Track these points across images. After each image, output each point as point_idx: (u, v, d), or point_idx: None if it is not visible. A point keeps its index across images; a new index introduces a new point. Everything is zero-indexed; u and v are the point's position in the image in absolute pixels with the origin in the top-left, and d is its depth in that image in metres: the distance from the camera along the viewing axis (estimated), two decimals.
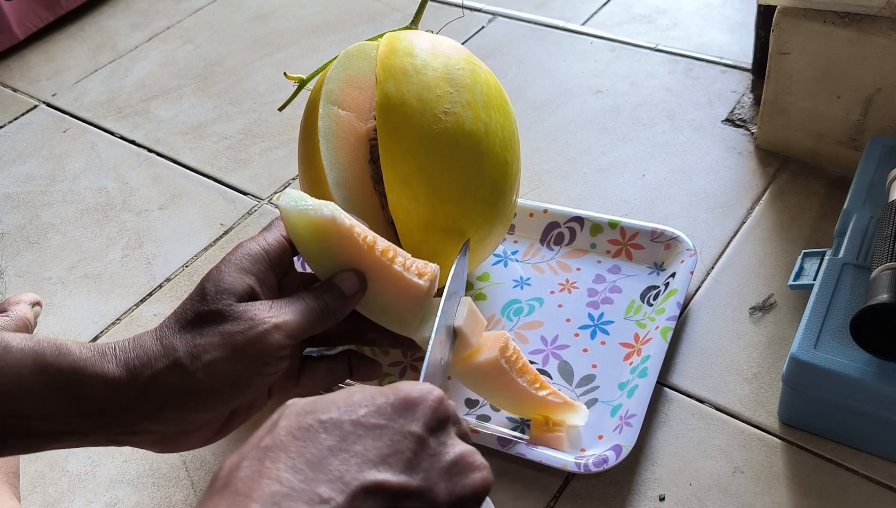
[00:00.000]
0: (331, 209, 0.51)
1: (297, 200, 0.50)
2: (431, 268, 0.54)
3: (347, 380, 0.58)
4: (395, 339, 0.56)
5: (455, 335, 0.57)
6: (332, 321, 0.50)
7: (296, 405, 0.38)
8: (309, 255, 0.51)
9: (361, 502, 0.34)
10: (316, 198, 0.52)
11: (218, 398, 0.45)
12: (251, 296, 0.48)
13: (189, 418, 0.46)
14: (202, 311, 0.47)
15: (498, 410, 0.66)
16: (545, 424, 0.62)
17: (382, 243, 0.53)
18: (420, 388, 0.39)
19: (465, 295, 0.59)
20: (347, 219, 0.51)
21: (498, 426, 0.65)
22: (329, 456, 0.35)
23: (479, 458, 0.39)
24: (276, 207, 0.50)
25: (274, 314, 0.47)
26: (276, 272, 0.51)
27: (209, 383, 0.45)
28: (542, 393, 0.61)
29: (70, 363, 0.44)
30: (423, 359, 0.49)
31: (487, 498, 0.58)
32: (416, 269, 0.54)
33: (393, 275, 0.53)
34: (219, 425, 0.49)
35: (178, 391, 0.45)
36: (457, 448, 0.38)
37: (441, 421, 0.39)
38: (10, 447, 0.44)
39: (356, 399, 0.38)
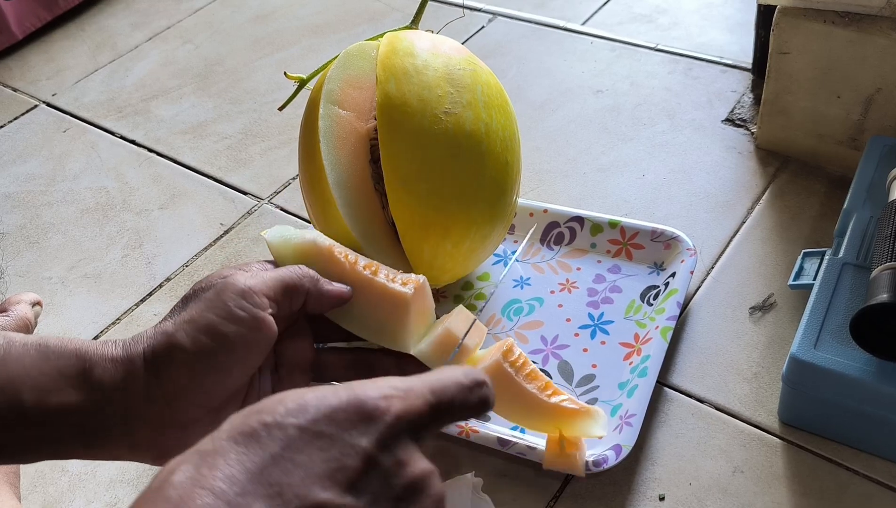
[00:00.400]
0: (312, 235, 0.54)
1: (281, 232, 0.54)
2: (415, 278, 0.54)
3: None
4: (399, 362, 0.55)
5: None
6: (301, 297, 0.50)
7: (254, 404, 0.35)
8: None
9: None
10: (318, 198, 0.53)
11: (202, 359, 0.45)
12: None
13: (185, 393, 0.45)
14: (187, 296, 0.49)
15: None
16: (558, 445, 0.60)
17: (364, 261, 0.54)
18: (378, 395, 0.34)
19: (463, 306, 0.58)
20: (327, 241, 0.54)
21: (498, 426, 0.65)
22: (270, 466, 0.32)
23: (435, 484, 0.35)
24: (266, 240, 0.54)
25: (249, 275, 0.49)
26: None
27: (188, 340, 0.45)
28: (555, 400, 0.56)
29: (74, 347, 0.45)
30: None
31: (487, 497, 0.58)
32: (400, 280, 0.54)
33: (377, 288, 0.53)
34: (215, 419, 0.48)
35: (164, 357, 0.45)
36: (411, 468, 0.34)
37: (397, 437, 0.34)
38: (12, 443, 0.44)
39: (307, 400, 0.34)
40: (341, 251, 0.54)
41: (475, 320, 0.55)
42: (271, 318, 0.47)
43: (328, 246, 0.54)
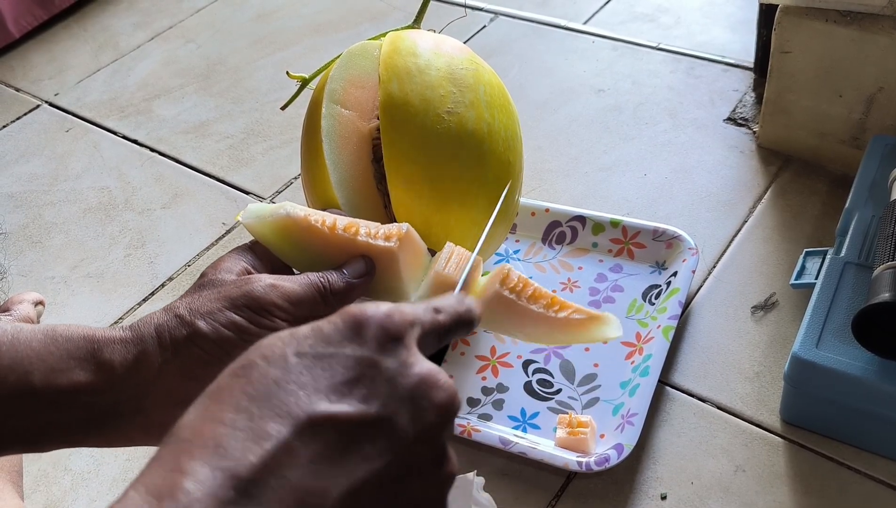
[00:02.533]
0: (285, 208, 0.52)
1: (256, 212, 0.53)
2: (398, 228, 0.52)
3: None
4: None
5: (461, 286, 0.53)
6: (335, 302, 0.50)
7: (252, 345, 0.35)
8: (285, 256, 0.53)
9: (310, 436, 0.32)
10: (320, 197, 0.52)
11: (225, 349, 0.45)
12: (248, 273, 0.50)
13: (200, 376, 0.45)
14: (200, 283, 0.49)
15: (500, 408, 0.66)
16: (569, 427, 0.62)
17: (343, 222, 0.53)
18: (367, 306, 0.35)
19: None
20: (301, 211, 0.52)
21: (499, 426, 0.65)
22: (274, 390, 0.32)
23: (442, 377, 0.35)
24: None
25: (271, 276, 0.48)
26: (274, 259, 0.52)
27: (211, 330, 0.45)
28: (562, 314, 0.54)
29: (81, 331, 0.45)
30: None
31: (489, 496, 0.58)
32: (382, 234, 0.53)
33: (361, 248, 0.52)
34: None
35: (181, 339, 0.45)
36: (416, 368, 0.34)
37: (395, 337, 0.35)
38: (24, 427, 0.44)
39: (301, 332, 0.35)
40: (317, 219, 0.52)
41: (467, 254, 0.53)
42: (287, 326, 0.47)
43: (303, 217, 0.52)
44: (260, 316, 0.47)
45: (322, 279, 0.50)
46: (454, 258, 0.53)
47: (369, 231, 0.53)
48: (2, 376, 0.43)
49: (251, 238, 0.53)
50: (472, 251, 0.53)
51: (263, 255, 0.52)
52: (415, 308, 0.37)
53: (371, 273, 0.52)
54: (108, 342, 0.45)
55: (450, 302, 0.40)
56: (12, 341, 0.44)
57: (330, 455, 0.32)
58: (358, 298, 0.51)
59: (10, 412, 0.44)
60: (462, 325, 0.40)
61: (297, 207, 0.53)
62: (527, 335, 0.55)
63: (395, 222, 0.64)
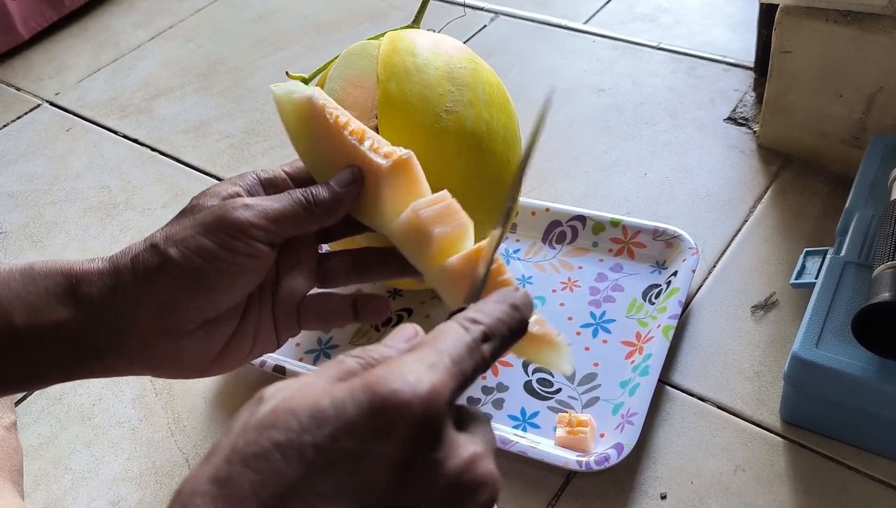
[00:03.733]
0: (311, 91, 0.50)
1: (289, 88, 0.50)
2: (401, 152, 0.49)
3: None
4: (404, 267, 0.49)
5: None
6: (321, 216, 0.47)
7: (256, 413, 0.30)
8: (297, 142, 0.51)
9: None
10: (343, 109, 0.50)
11: (196, 277, 0.44)
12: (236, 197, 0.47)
13: (176, 305, 0.44)
14: (183, 210, 0.47)
15: (500, 408, 0.66)
16: (569, 426, 0.62)
17: (356, 125, 0.50)
18: (402, 385, 0.29)
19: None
20: (322, 99, 0.50)
21: (499, 425, 0.65)
22: (289, 496, 0.28)
23: (482, 467, 0.31)
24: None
25: (250, 198, 0.46)
26: (269, 191, 0.49)
27: (181, 257, 0.43)
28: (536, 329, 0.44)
29: (59, 267, 0.44)
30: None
31: None
32: (384, 151, 0.49)
33: (358, 156, 0.49)
34: (216, 345, 0.46)
35: (153, 268, 0.44)
36: (454, 461, 0.30)
37: (430, 433, 0.30)
38: (8, 369, 0.44)
39: (323, 407, 0.29)
40: (332, 112, 0.50)
41: (456, 209, 0.48)
42: (268, 248, 0.45)
43: (321, 105, 0.49)
44: (234, 239, 0.44)
45: (306, 193, 0.47)
46: (439, 206, 0.47)
47: (373, 144, 0.49)
48: None
49: None
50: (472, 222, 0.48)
51: (254, 188, 0.48)
52: (458, 361, 0.32)
53: (358, 183, 0.48)
54: (86, 275, 0.44)
55: (501, 317, 0.34)
56: None
57: None
58: (346, 211, 0.48)
59: None
60: (515, 338, 0.35)
61: (325, 96, 0.50)
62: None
63: None
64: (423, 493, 0.30)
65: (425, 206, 0.47)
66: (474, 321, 0.34)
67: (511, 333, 0.35)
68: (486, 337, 0.33)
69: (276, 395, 0.31)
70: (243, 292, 0.45)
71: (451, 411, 0.31)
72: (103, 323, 0.44)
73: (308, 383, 0.31)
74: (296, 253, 0.49)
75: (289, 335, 0.49)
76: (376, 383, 0.30)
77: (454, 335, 0.33)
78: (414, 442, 0.29)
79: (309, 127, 0.50)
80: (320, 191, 0.47)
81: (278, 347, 0.49)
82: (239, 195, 0.47)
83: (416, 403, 0.29)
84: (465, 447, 0.31)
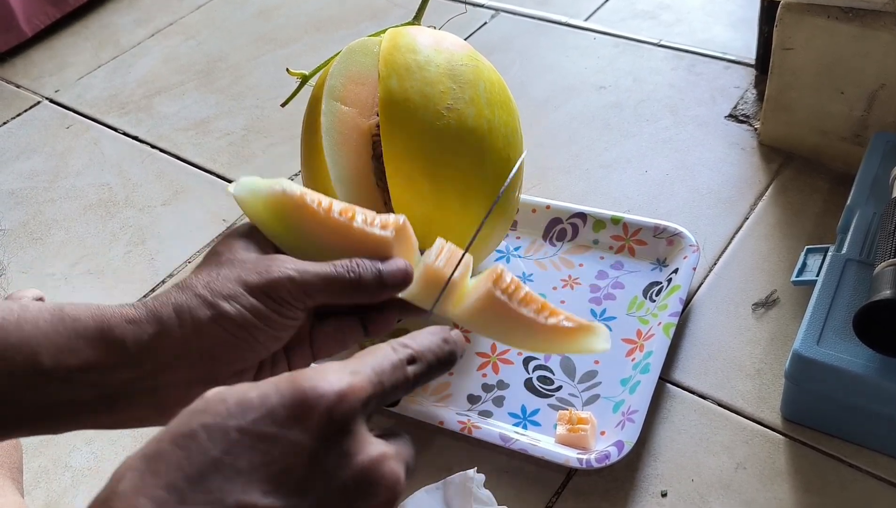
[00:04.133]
0: (281, 184, 0.50)
1: (249, 185, 0.50)
2: (395, 218, 0.50)
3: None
4: (403, 309, 0.52)
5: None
6: (361, 293, 0.48)
7: (192, 404, 0.34)
8: (276, 237, 0.51)
9: None
10: (320, 193, 0.51)
11: (248, 331, 0.45)
12: (264, 251, 0.48)
13: (221, 356, 0.45)
14: (217, 261, 0.47)
15: (501, 405, 0.66)
16: (569, 423, 0.62)
17: (340, 205, 0.50)
18: (321, 382, 0.33)
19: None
20: (298, 189, 0.50)
21: (500, 422, 0.65)
22: (211, 471, 0.32)
23: (388, 466, 0.34)
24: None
25: (292, 265, 0.47)
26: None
27: (236, 313, 0.44)
28: (552, 321, 0.53)
29: (89, 311, 0.44)
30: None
31: (489, 493, 0.58)
32: (379, 222, 0.51)
33: (356, 234, 0.50)
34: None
35: (203, 319, 0.44)
36: (358, 458, 0.33)
37: (341, 427, 0.33)
38: (35, 408, 0.44)
39: (249, 398, 0.33)
40: (314, 199, 0.50)
41: (459, 251, 0.51)
42: (305, 314, 0.47)
43: (299, 195, 0.49)
44: (281, 306, 0.46)
45: (352, 268, 0.48)
46: (444, 253, 0.51)
47: (366, 218, 0.50)
48: (9, 355, 0.42)
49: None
50: (463, 249, 0.51)
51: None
52: (379, 373, 0.36)
53: (404, 278, 0.49)
54: (119, 322, 0.44)
55: (430, 346, 0.39)
56: (18, 320, 0.43)
57: None
58: (381, 296, 0.49)
59: (19, 392, 0.43)
60: (441, 367, 0.40)
61: (293, 184, 0.50)
62: (512, 339, 0.53)
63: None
64: (331, 481, 0.33)
65: (435, 258, 0.50)
66: (404, 345, 0.38)
67: (438, 362, 0.39)
68: (412, 360, 0.38)
69: (214, 391, 0.34)
70: (280, 344, 0.47)
71: (365, 412, 0.35)
72: (136, 369, 0.44)
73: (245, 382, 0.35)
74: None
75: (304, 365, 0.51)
76: (300, 378, 0.34)
77: (382, 353, 0.37)
78: (324, 432, 0.33)
79: (289, 220, 0.50)
80: (366, 270, 0.48)
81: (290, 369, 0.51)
82: (265, 250, 0.49)
83: (331, 397, 0.33)
84: (375, 446, 0.34)
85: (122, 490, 0.31)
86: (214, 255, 0.48)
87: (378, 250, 0.50)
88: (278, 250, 0.50)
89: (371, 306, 0.52)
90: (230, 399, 0.33)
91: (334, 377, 0.34)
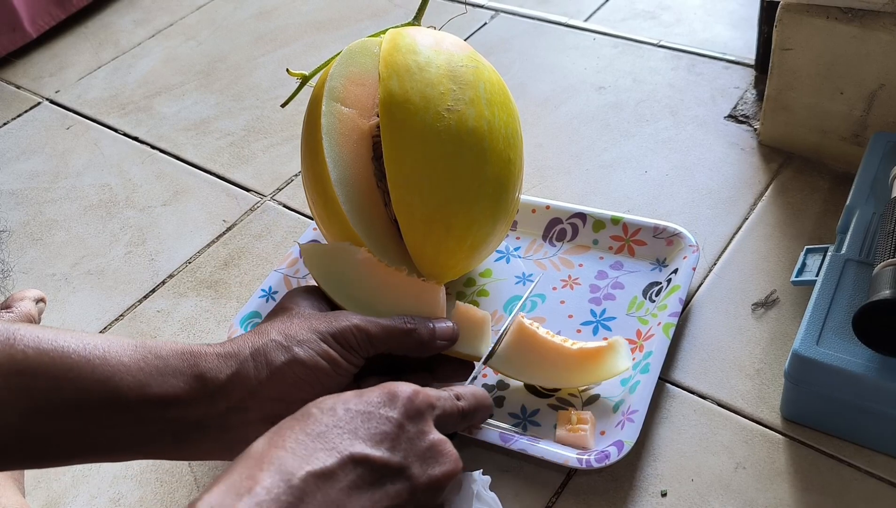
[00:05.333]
0: (344, 245, 0.61)
1: (314, 247, 0.61)
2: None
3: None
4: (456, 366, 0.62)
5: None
6: (414, 345, 0.56)
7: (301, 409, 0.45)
8: (335, 292, 0.59)
9: (350, 469, 0.42)
10: (320, 195, 0.54)
11: (316, 375, 0.51)
12: (322, 309, 0.57)
13: (290, 396, 0.50)
14: (288, 314, 0.54)
15: (501, 405, 0.66)
16: (569, 423, 0.62)
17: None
18: (402, 384, 0.47)
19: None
20: (359, 249, 0.61)
21: (500, 423, 0.65)
22: (325, 432, 0.42)
23: (449, 447, 0.47)
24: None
25: (357, 316, 0.54)
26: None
27: (308, 357, 0.51)
28: (575, 347, 0.63)
29: (177, 346, 0.49)
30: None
31: (494, 495, 0.58)
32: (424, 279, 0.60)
33: (407, 281, 0.59)
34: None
35: (278, 362, 0.50)
36: (431, 436, 0.46)
37: (418, 411, 0.46)
38: (105, 436, 0.47)
39: (347, 395, 0.45)
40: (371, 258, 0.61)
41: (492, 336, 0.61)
42: (363, 362, 0.54)
43: (360, 251, 0.61)
44: (347, 351, 0.53)
45: (409, 322, 0.56)
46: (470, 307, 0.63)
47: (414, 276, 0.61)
48: (94, 388, 0.45)
49: (248, 239, 0.55)
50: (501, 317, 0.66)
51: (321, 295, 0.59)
52: (438, 393, 0.50)
53: (452, 339, 0.59)
54: (206, 356, 0.49)
55: (469, 390, 0.53)
56: (104, 355, 0.47)
57: (361, 484, 0.42)
58: (435, 352, 0.59)
59: (95, 424, 0.46)
60: (482, 409, 0.55)
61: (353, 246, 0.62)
62: (542, 371, 0.63)
63: (395, 220, 0.64)
64: (413, 446, 0.45)
65: (462, 306, 0.62)
66: (447, 388, 0.53)
67: (479, 406, 0.55)
68: (458, 397, 0.52)
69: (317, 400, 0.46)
70: (339, 391, 0.52)
71: (432, 413, 0.48)
72: (213, 405, 0.48)
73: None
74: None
75: None
76: (384, 384, 0.48)
77: (431, 388, 0.51)
78: (407, 412, 0.46)
79: (349, 275, 0.60)
80: (423, 326, 0.58)
81: None
82: (323, 308, 0.57)
83: (410, 391, 0.47)
84: (440, 435, 0.47)
85: (257, 447, 0.41)
86: (283, 310, 0.55)
87: (431, 295, 0.59)
88: (335, 307, 0.58)
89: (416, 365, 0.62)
90: (334, 395, 0.46)
91: (408, 386, 0.48)
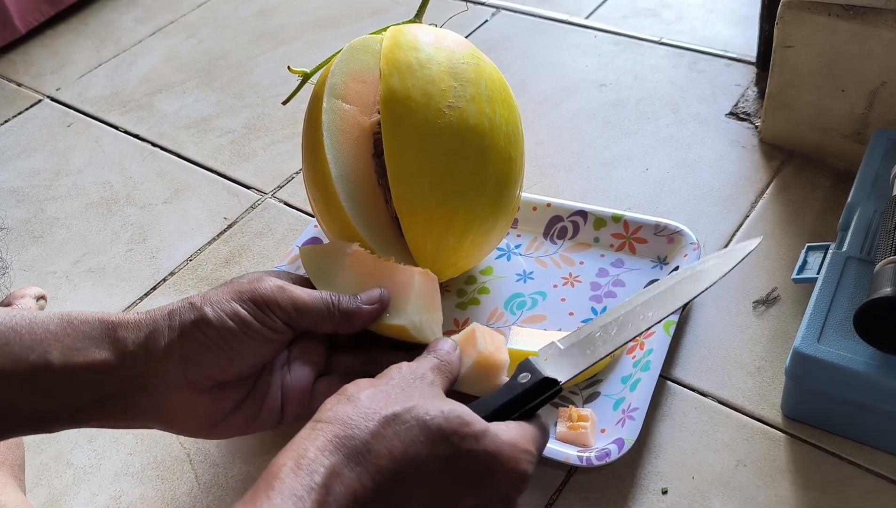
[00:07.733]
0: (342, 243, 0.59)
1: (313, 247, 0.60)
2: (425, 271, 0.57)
3: None
4: (411, 350, 0.56)
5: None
6: (341, 323, 0.53)
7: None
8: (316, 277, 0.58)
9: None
10: (321, 192, 0.54)
11: (224, 337, 0.49)
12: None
13: (201, 360, 0.48)
14: (223, 283, 0.52)
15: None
16: (570, 421, 0.62)
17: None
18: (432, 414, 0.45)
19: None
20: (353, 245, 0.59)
21: None
22: (370, 441, 0.43)
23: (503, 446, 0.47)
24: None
25: (284, 282, 0.52)
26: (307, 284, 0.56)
27: (215, 317, 0.48)
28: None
29: (96, 315, 0.48)
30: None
31: None
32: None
33: (385, 267, 0.56)
34: (226, 407, 0.51)
35: (187, 322, 0.48)
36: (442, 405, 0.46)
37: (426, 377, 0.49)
38: (39, 407, 0.47)
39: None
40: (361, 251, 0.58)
41: (480, 327, 0.55)
42: (287, 328, 0.51)
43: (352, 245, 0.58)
44: (262, 312, 0.50)
45: (333, 297, 0.53)
46: (489, 337, 0.55)
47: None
48: (24, 355, 0.45)
49: (249, 237, 0.55)
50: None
51: (298, 281, 0.55)
52: (434, 349, 0.52)
53: (380, 306, 0.54)
54: (123, 323, 0.48)
55: (439, 345, 0.52)
56: (30, 324, 0.47)
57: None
58: (364, 326, 0.54)
59: (25, 392, 0.46)
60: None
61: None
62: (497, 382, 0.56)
63: (396, 217, 0.64)
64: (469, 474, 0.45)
65: (482, 343, 0.54)
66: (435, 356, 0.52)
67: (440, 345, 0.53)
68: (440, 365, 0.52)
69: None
70: (259, 361, 0.51)
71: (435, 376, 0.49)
72: (132, 368, 0.47)
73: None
74: (306, 344, 0.54)
75: (298, 415, 0.53)
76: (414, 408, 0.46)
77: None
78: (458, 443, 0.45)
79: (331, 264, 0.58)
80: (347, 300, 0.53)
81: (280, 424, 0.53)
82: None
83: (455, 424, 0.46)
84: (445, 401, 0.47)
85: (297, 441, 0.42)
86: (230, 281, 0.53)
87: (405, 277, 0.56)
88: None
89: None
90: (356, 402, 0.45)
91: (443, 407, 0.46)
